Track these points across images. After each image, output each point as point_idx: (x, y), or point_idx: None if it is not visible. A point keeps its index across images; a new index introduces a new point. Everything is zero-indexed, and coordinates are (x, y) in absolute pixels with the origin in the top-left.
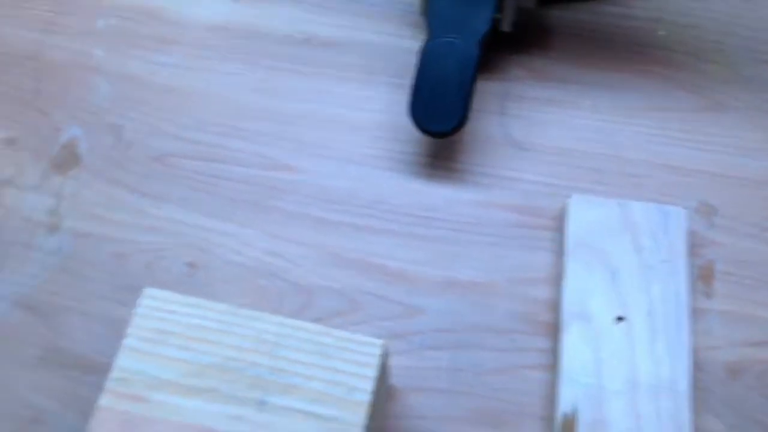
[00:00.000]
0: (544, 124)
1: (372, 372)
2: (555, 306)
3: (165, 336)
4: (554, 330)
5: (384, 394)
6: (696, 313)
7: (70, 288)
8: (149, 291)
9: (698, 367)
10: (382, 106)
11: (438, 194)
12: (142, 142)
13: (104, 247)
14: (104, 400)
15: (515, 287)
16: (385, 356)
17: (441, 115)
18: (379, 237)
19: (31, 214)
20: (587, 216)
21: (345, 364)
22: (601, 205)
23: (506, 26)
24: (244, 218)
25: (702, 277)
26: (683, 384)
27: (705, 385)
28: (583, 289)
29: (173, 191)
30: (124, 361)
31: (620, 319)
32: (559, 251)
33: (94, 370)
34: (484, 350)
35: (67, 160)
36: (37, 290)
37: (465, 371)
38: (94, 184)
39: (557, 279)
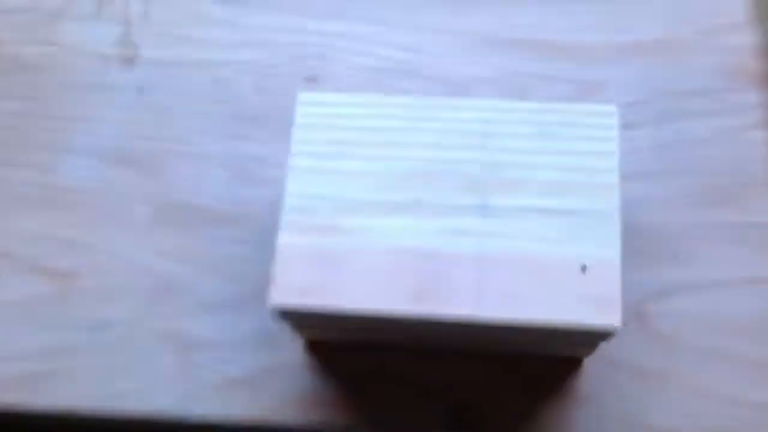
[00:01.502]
0: None
1: (613, 145)
2: (763, 50)
3: (341, 146)
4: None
5: None
6: None
7: (166, 129)
8: (304, 96)
9: None
10: None
11: None
12: None
13: (197, 73)
14: (283, 238)
15: (709, 38)
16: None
17: None
18: (529, 7)
19: (95, 47)
20: None
21: (578, 143)
22: None
23: None
24: (365, 13)
25: None
26: None
27: None
28: None
29: None
30: (296, 186)
31: None
32: None
33: (224, 222)
34: (689, 118)
35: None
36: (127, 139)
37: (672, 146)
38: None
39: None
